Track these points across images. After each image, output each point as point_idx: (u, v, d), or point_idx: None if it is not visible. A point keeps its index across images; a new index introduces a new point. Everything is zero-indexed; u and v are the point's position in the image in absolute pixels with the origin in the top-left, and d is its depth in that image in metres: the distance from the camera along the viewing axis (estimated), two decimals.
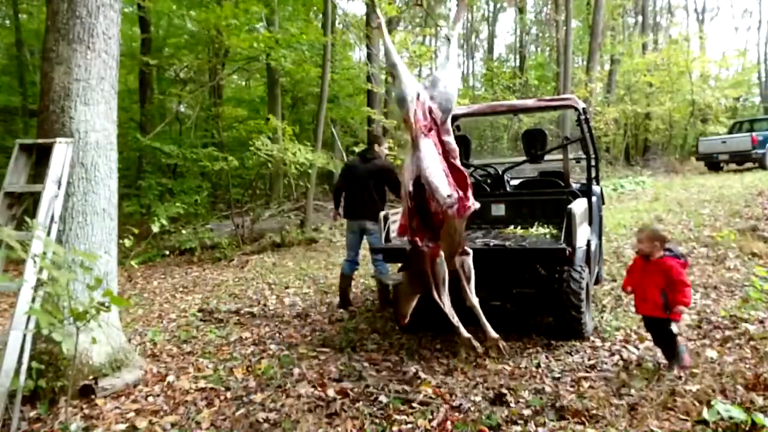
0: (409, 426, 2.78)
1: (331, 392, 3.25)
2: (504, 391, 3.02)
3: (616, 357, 3.47)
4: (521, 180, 5.10)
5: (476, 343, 2.81)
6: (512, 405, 2.89)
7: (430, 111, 2.69)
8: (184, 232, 9.25)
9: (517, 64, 24.76)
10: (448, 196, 2.49)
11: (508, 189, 4.84)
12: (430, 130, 2.68)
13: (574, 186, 4.73)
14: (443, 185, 2.54)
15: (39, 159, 3.41)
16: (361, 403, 3.08)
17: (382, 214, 4.25)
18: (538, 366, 3.39)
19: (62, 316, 2.94)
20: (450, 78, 2.82)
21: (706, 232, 6.60)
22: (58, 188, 3.27)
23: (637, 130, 21.08)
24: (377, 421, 2.86)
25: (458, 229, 2.71)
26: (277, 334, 4.54)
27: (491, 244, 3.69)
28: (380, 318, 4.75)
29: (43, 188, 3.19)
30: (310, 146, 9.55)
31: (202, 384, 3.51)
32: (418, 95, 2.73)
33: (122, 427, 2.95)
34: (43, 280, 2.95)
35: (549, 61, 23.43)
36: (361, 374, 3.49)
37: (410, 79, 2.78)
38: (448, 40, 3.18)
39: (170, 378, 3.60)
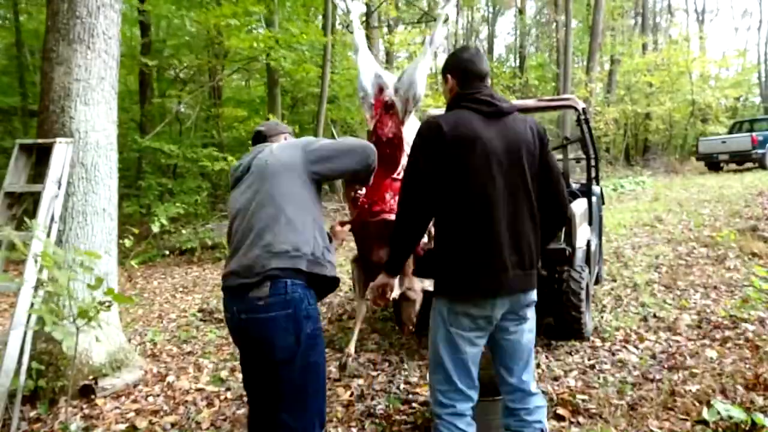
0: (409, 426, 2.78)
1: (330, 393, 3.25)
2: None
3: (616, 357, 3.47)
4: None
5: None
6: None
7: (392, 105, 2.66)
8: (184, 232, 9.24)
9: (517, 64, 24.78)
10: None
11: None
12: (386, 125, 2.64)
13: (574, 186, 4.73)
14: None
15: (39, 159, 3.42)
16: (361, 403, 3.08)
17: None
18: (538, 366, 3.39)
19: (63, 316, 2.95)
20: (416, 64, 2.72)
21: (706, 232, 6.60)
22: (58, 188, 3.28)
23: (637, 130, 21.10)
24: (377, 421, 2.86)
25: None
26: None
27: None
28: (380, 318, 4.75)
29: (43, 188, 3.19)
30: None
31: (202, 384, 3.51)
32: (381, 89, 2.71)
33: (122, 427, 2.96)
34: (43, 280, 2.95)
35: (549, 62, 23.44)
36: (361, 374, 3.49)
37: (368, 74, 2.72)
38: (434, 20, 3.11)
39: (170, 378, 3.61)
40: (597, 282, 4.85)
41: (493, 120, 1.89)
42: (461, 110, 1.91)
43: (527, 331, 1.98)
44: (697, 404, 2.69)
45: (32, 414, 3.05)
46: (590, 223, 4.24)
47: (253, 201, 1.92)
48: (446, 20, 3.20)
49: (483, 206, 1.83)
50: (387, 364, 3.66)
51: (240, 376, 3.60)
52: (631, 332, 3.87)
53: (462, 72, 2.00)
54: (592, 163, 4.31)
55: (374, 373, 3.50)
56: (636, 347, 3.61)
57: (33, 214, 3.19)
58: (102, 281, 2.81)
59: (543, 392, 3.00)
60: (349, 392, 3.25)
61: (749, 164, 14.37)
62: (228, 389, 3.40)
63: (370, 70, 2.73)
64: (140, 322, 5.17)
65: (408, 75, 2.65)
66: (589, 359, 3.47)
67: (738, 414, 2.40)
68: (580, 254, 3.73)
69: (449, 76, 2.02)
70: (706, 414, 2.50)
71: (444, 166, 1.84)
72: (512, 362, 2.00)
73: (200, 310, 5.42)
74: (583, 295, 3.66)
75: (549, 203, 1.99)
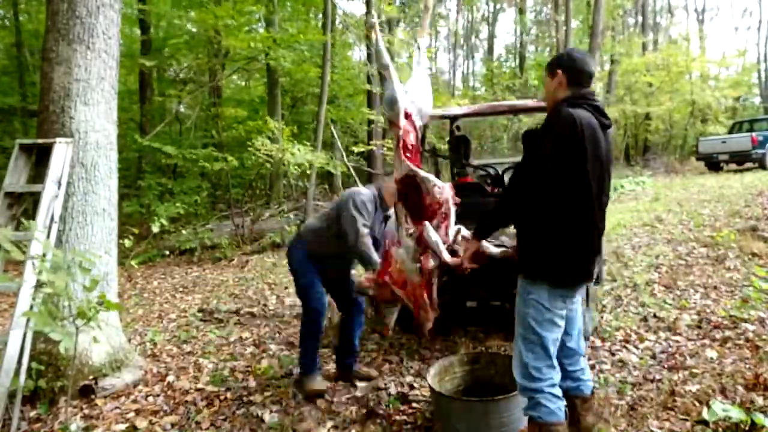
0: (409, 426, 2.78)
1: (330, 392, 3.26)
2: None
3: (616, 357, 3.47)
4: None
5: None
6: None
7: (410, 115, 2.82)
8: (184, 232, 9.24)
9: (517, 64, 24.78)
10: (441, 187, 2.70)
11: None
12: (409, 133, 2.82)
13: None
14: (434, 179, 2.74)
15: (39, 159, 3.42)
16: (361, 403, 3.08)
17: None
18: None
19: (62, 316, 2.95)
20: (424, 84, 2.97)
21: (706, 232, 6.60)
22: (58, 188, 3.28)
23: (637, 130, 21.10)
24: (378, 420, 2.86)
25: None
26: (277, 334, 4.54)
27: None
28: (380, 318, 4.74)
29: (43, 188, 3.19)
30: (309, 146, 9.54)
31: (202, 384, 3.51)
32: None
33: (122, 427, 2.96)
34: (42, 281, 2.95)
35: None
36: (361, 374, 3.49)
37: (399, 83, 2.85)
38: (418, 48, 3.16)
39: (170, 378, 3.61)
40: (597, 282, 4.84)
41: (604, 130, 2.10)
42: (583, 110, 2.04)
43: (578, 304, 2.35)
44: (697, 404, 2.69)
45: (32, 414, 3.05)
46: None
47: None
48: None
49: (590, 205, 2.07)
50: (387, 364, 3.66)
51: (240, 376, 3.62)
52: (631, 332, 3.87)
53: (575, 71, 2.14)
54: None
55: (374, 374, 3.49)
56: (636, 347, 3.61)
57: (33, 214, 3.19)
58: (97, 283, 2.81)
59: None
60: (348, 392, 3.25)
61: (749, 164, 14.36)
62: (228, 389, 3.40)
63: (401, 87, 2.85)
64: (140, 322, 5.17)
65: (419, 95, 2.89)
66: (589, 359, 3.47)
67: (737, 414, 2.40)
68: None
69: (560, 71, 2.15)
70: (706, 414, 2.50)
71: (570, 159, 1.99)
72: (572, 329, 2.30)
73: (200, 310, 5.42)
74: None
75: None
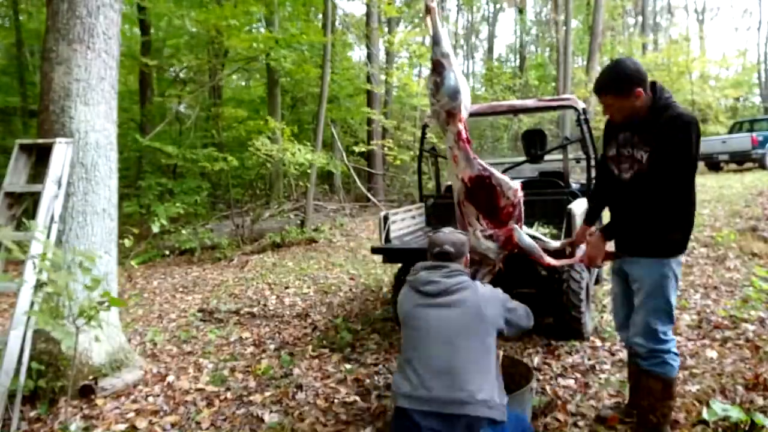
0: None
1: (330, 392, 3.26)
2: None
3: (616, 357, 3.46)
4: (521, 180, 5.10)
5: None
6: None
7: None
8: (184, 232, 9.25)
9: (517, 64, 24.79)
10: (515, 189, 2.62)
11: None
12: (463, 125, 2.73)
13: (574, 186, 4.73)
14: (506, 179, 2.64)
15: (39, 159, 3.42)
16: (363, 402, 3.08)
17: (382, 214, 4.24)
18: (536, 367, 3.39)
19: (63, 315, 2.95)
20: (460, 72, 2.81)
21: (706, 232, 6.60)
22: (58, 188, 3.28)
23: None
24: (379, 421, 2.86)
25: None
26: (277, 334, 4.54)
27: None
28: (380, 318, 4.75)
29: (43, 188, 3.19)
30: (310, 146, 9.55)
31: (202, 384, 3.52)
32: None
33: (122, 427, 2.96)
34: (42, 281, 2.95)
35: (549, 63, 23.43)
36: (361, 374, 3.49)
37: (461, 73, 2.73)
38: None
39: (170, 378, 3.61)
40: (597, 282, 4.85)
41: None
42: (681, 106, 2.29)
43: None
44: (697, 404, 2.69)
45: (32, 414, 3.05)
46: None
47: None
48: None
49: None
50: (387, 363, 3.66)
51: (240, 376, 3.62)
52: None
53: (646, 80, 2.32)
54: (592, 163, 4.31)
55: (374, 374, 3.49)
56: None
57: (33, 214, 3.19)
58: (99, 282, 2.81)
59: (543, 392, 3.02)
60: (348, 392, 3.25)
61: (749, 164, 14.35)
62: (228, 389, 3.40)
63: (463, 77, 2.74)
64: (140, 322, 5.17)
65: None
66: (589, 359, 3.47)
67: (737, 414, 2.39)
68: (579, 254, 3.73)
69: (641, 89, 2.28)
70: (706, 414, 2.50)
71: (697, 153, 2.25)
72: None
73: (200, 310, 5.42)
74: (583, 295, 3.66)
75: None
